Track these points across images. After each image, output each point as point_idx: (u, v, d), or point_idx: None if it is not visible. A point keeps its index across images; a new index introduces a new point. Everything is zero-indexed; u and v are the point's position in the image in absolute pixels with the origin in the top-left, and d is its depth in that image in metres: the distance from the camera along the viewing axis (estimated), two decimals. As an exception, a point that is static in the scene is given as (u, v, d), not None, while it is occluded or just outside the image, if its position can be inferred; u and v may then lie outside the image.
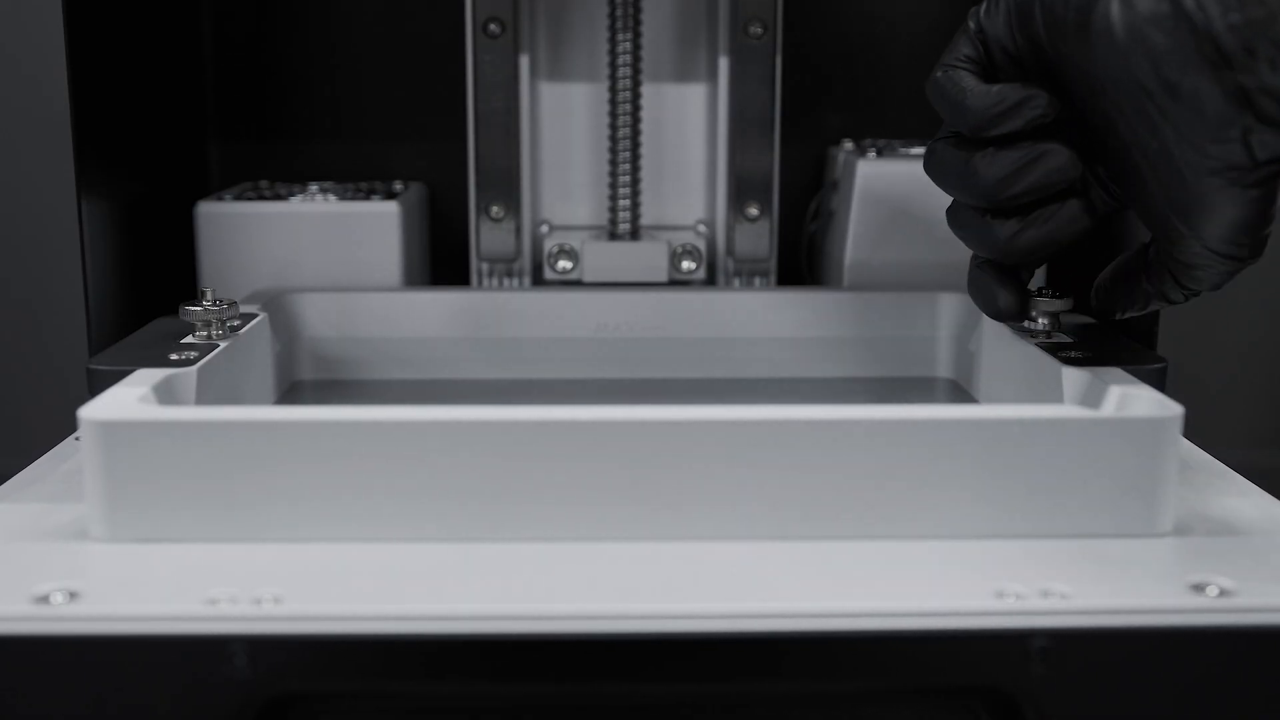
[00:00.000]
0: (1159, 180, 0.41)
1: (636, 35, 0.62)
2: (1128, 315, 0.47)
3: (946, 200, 0.62)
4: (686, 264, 0.63)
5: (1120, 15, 0.39)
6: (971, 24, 0.45)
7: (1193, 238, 0.41)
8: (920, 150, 0.64)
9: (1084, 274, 0.63)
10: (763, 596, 0.34)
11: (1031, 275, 0.49)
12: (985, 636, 0.32)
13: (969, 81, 0.44)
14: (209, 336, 0.47)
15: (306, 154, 0.70)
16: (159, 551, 0.36)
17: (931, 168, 0.46)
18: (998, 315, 0.47)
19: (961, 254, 0.62)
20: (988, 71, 0.45)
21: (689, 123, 0.67)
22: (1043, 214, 0.44)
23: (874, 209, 0.62)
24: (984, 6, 0.45)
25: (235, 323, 0.50)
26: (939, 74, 0.45)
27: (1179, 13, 0.38)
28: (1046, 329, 0.49)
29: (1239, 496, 0.42)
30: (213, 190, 0.68)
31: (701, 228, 0.66)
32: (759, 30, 0.62)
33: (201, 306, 0.48)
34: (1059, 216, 0.44)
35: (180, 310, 0.48)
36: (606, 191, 0.65)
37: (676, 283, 0.63)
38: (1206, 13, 0.38)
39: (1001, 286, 0.47)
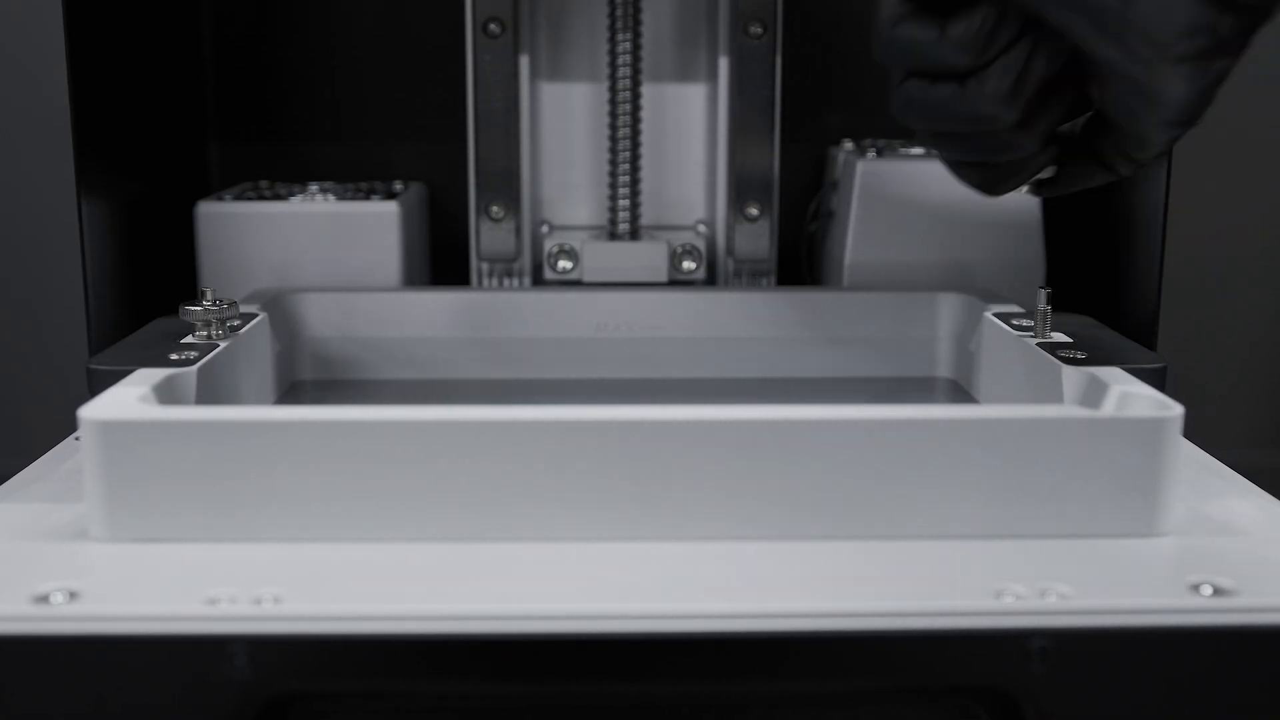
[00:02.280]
0: (1116, 77, 0.40)
1: (636, 35, 0.63)
2: (1065, 192, 0.46)
3: (946, 199, 0.62)
4: (686, 264, 0.63)
5: None
6: None
7: (1153, 118, 0.40)
8: (920, 150, 0.64)
9: (1084, 273, 0.64)
10: (763, 596, 0.34)
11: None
12: (985, 636, 0.32)
13: (931, 23, 0.41)
14: (209, 336, 0.47)
15: (306, 154, 0.70)
16: (159, 551, 0.36)
17: (914, 112, 0.43)
18: (1023, 173, 0.44)
19: (961, 254, 0.62)
20: (926, 4, 0.42)
21: (689, 123, 0.67)
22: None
23: (874, 209, 0.62)
24: None
25: (235, 323, 0.50)
26: (889, 31, 0.41)
27: None
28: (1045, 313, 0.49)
29: (1239, 496, 0.42)
30: (213, 190, 0.68)
31: (701, 228, 0.66)
32: (759, 30, 0.62)
33: (201, 306, 0.48)
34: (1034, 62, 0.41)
35: (180, 310, 0.48)
36: (606, 191, 0.65)
37: (676, 283, 0.63)
38: None
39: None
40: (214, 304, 0.48)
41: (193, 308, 0.48)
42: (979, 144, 0.43)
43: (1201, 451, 0.46)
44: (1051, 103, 0.42)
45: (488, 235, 0.63)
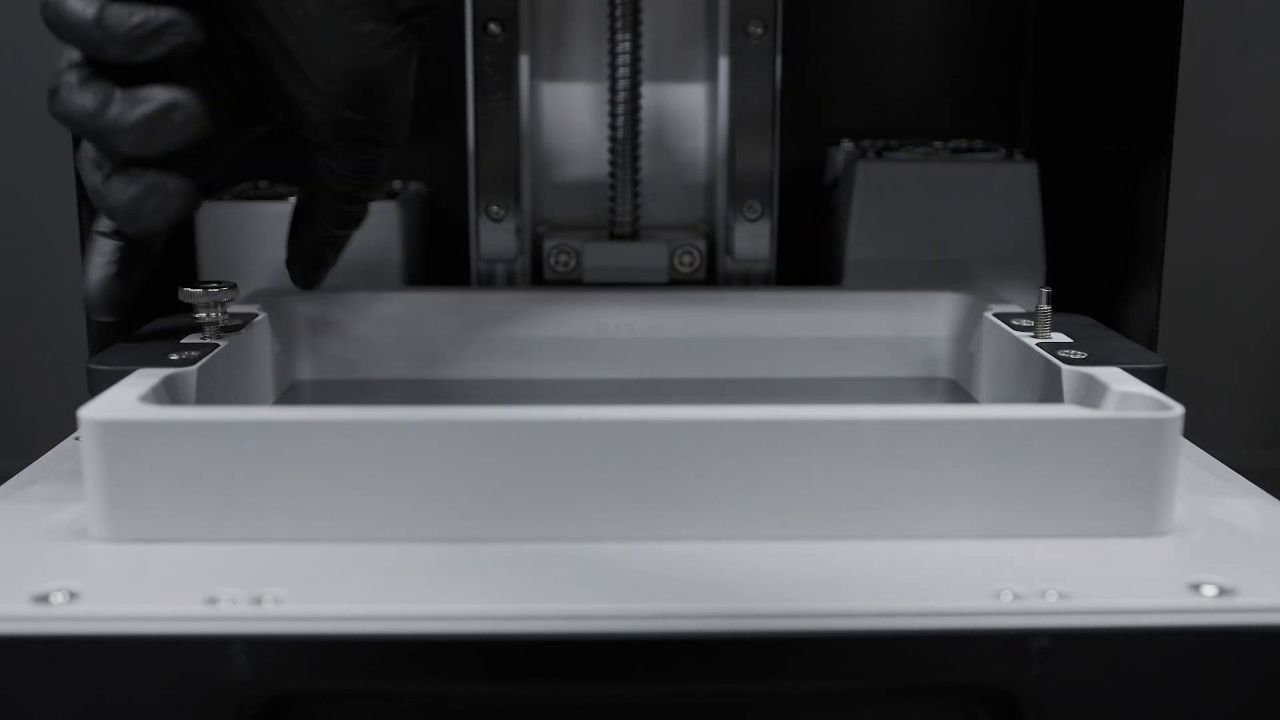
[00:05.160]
0: (309, 57, 0.41)
1: (636, 35, 0.62)
2: (321, 273, 0.48)
3: (946, 199, 0.62)
4: (686, 264, 0.63)
5: None
6: None
7: (312, 82, 0.42)
8: (920, 150, 0.64)
9: (1084, 273, 0.64)
10: (763, 596, 0.34)
11: (150, 264, 0.45)
12: (985, 636, 0.32)
13: (97, 1, 0.39)
14: (210, 318, 0.47)
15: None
16: (159, 551, 0.36)
17: (57, 106, 0.40)
18: (89, 304, 0.44)
19: (961, 254, 0.62)
20: None
21: (689, 123, 0.67)
22: (155, 179, 0.41)
23: (874, 209, 0.62)
24: None
25: (236, 323, 0.50)
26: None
27: None
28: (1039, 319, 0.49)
29: (1239, 496, 0.42)
30: (212, 190, 0.68)
31: (702, 228, 0.66)
32: (759, 30, 0.62)
33: (201, 288, 0.48)
34: (165, 188, 0.41)
35: (180, 293, 0.48)
36: (606, 191, 0.65)
37: (676, 283, 0.63)
38: None
39: (100, 263, 0.44)
40: (215, 287, 0.48)
41: (192, 290, 0.47)
42: (85, 173, 0.41)
43: (1201, 451, 0.46)
44: (160, 197, 0.41)
45: (488, 235, 0.63)
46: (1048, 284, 0.56)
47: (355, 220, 0.49)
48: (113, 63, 0.40)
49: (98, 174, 0.41)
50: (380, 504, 0.37)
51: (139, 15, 0.39)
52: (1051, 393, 0.45)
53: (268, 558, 0.36)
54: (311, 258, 0.50)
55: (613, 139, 0.64)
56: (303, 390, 0.56)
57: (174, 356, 0.45)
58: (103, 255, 0.44)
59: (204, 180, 0.45)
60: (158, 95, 0.40)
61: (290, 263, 0.51)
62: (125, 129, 0.40)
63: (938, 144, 0.66)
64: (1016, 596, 0.33)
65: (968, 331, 0.55)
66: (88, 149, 0.42)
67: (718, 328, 0.58)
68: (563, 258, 0.63)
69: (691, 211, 0.67)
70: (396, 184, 0.66)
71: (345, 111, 0.44)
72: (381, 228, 0.61)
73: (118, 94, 0.40)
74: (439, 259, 0.69)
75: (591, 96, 0.66)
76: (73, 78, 0.40)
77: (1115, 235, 0.61)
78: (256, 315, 0.52)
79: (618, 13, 0.62)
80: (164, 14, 0.39)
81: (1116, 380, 0.42)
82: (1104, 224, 0.63)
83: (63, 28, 0.39)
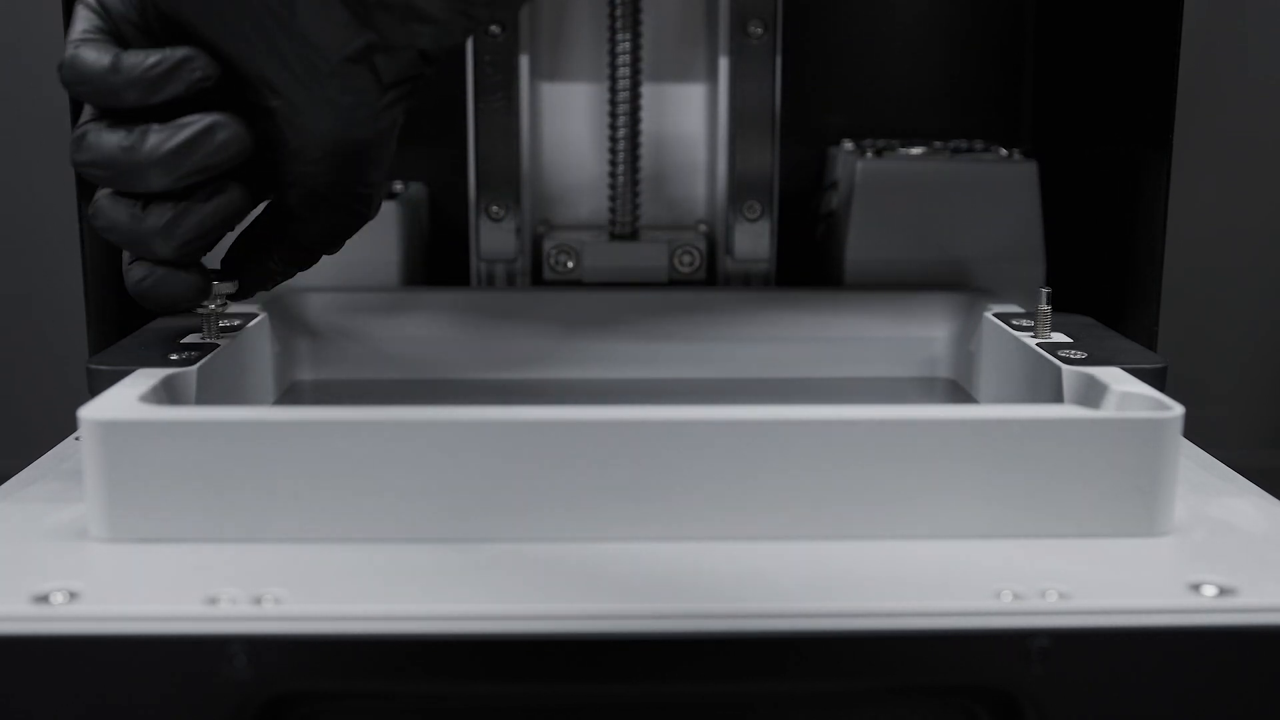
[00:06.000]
0: (293, 125, 0.40)
1: (636, 35, 0.62)
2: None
3: (946, 199, 0.62)
4: (686, 264, 0.63)
5: None
6: None
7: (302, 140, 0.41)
8: (920, 150, 0.64)
9: (1084, 273, 0.64)
10: (763, 596, 0.34)
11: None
12: (985, 636, 0.32)
13: (111, 49, 0.39)
14: (210, 309, 0.47)
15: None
16: (159, 551, 0.36)
17: (84, 154, 0.40)
18: (175, 306, 0.43)
19: (961, 254, 0.62)
20: (120, 44, 0.40)
21: (689, 123, 0.67)
22: (200, 196, 0.40)
23: (874, 209, 0.62)
24: None
25: (236, 323, 0.50)
26: (68, 54, 0.39)
27: None
28: None
29: (1239, 496, 0.42)
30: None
31: (701, 228, 0.66)
32: (759, 30, 0.62)
33: None
34: (219, 201, 0.41)
35: None
36: (606, 191, 0.65)
37: (676, 283, 0.63)
38: None
39: (176, 272, 0.42)
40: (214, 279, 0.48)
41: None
42: (111, 218, 0.41)
43: (1201, 451, 0.46)
44: (216, 201, 0.40)
45: (488, 235, 0.63)
46: (1048, 284, 0.56)
47: (309, 264, 0.47)
48: (130, 110, 0.39)
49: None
50: (380, 504, 0.37)
51: (154, 56, 0.39)
52: (1052, 393, 0.45)
53: (268, 558, 0.36)
54: (254, 277, 0.47)
55: (613, 139, 0.64)
56: (303, 390, 0.56)
57: (174, 356, 0.45)
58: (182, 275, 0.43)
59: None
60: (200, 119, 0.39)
61: (229, 264, 0.47)
62: (164, 154, 0.39)
63: (938, 144, 0.66)
64: (1016, 596, 0.33)
65: (968, 331, 0.55)
66: (104, 201, 0.41)
67: (718, 328, 0.58)
68: (563, 258, 0.63)
69: (691, 211, 0.67)
70: (397, 184, 0.66)
71: (323, 182, 0.43)
72: (381, 228, 0.61)
73: (154, 127, 0.39)
74: (439, 259, 0.69)
75: (591, 96, 0.66)
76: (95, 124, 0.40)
77: (1115, 235, 0.61)
78: (256, 315, 0.52)
79: (618, 13, 0.62)
80: (179, 52, 0.39)
81: (1116, 380, 0.42)
82: (1104, 224, 0.63)
83: (80, 81, 0.39)
